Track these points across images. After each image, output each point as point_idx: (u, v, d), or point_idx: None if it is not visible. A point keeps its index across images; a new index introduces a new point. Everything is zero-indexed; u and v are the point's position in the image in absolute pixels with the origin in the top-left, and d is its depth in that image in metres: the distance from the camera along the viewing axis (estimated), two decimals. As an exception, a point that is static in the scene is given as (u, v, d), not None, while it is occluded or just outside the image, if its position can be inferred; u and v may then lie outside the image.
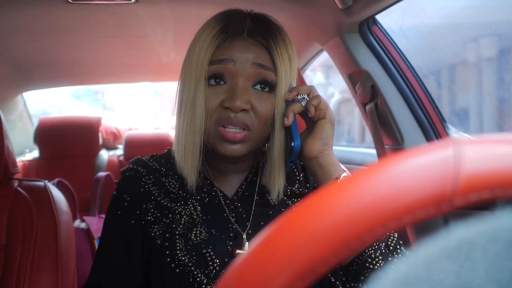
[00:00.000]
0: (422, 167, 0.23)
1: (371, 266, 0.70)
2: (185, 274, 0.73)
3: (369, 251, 0.70)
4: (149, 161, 0.82)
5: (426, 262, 0.19)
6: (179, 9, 1.39)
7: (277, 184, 0.75)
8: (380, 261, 0.70)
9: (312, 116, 0.70)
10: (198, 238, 0.74)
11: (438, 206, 0.22)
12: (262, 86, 0.73)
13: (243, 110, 0.71)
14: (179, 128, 0.75)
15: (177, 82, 0.78)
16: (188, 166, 0.73)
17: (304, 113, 0.73)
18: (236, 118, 0.70)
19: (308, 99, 0.72)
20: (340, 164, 0.74)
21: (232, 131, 0.70)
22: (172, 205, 0.77)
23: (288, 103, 0.72)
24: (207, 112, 0.72)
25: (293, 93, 0.72)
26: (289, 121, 0.70)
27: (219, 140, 0.72)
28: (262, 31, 0.75)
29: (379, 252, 0.70)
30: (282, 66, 0.73)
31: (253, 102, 0.72)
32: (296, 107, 0.71)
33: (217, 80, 0.73)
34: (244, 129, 0.71)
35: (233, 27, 0.74)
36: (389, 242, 0.73)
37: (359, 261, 0.70)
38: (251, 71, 0.72)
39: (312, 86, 0.74)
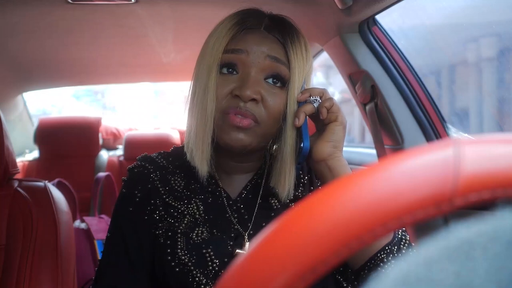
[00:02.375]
0: (422, 167, 0.23)
1: (384, 270, 0.67)
2: (184, 273, 0.73)
3: (381, 255, 0.67)
4: (157, 158, 0.82)
5: (426, 262, 0.19)
6: (179, 9, 1.39)
7: (287, 185, 0.73)
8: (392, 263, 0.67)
9: (324, 118, 0.69)
10: (199, 238, 0.74)
11: (438, 206, 0.22)
12: (274, 80, 0.73)
13: (253, 100, 0.70)
14: (191, 117, 0.75)
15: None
16: (199, 154, 0.72)
17: (315, 116, 0.72)
18: (245, 108, 0.69)
19: (320, 101, 0.71)
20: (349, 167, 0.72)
21: (240, 117, 0.70)
22: (176, 204, 0.77)
23: (300, 104, 0.72)
24: (217, 100, 0.71)
25: (306, 95, 0.71)
26: (300, 121, 0.69)
27: (225, 127, 0.71)
28: (279, 28, 0.75)
29: (391, 256, 0.67)
30: (296, 63, 0.72)
31: (264, 94, 0.71)
32: (308, 108, 0.70)
33: (230, 69, 0.72)
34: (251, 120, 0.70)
35: (250, 21, 0.74)
36: (402, 245, 0.70)
37: (371, 265, 0.68)
38: (265, 63, 0.72)
39: (324, 88, 0.73)
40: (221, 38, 0.72)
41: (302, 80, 0.73)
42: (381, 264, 0.67)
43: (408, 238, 0.72)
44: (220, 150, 0.75)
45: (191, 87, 0.76)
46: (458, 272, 0.18)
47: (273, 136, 0.75)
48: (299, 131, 0.71)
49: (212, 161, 0.76)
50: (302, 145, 0.69)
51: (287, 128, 0.72)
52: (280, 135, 0.74)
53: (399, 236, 0.71)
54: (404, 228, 0.73)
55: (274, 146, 0.77)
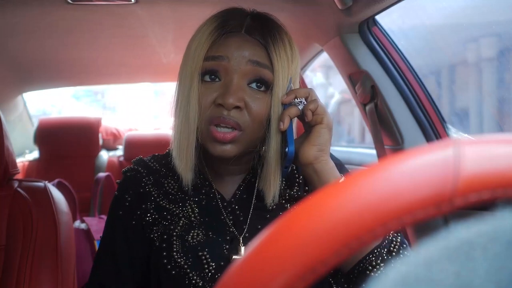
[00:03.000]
0: (422, 167, 0.23)
1: (372, 273, 0.67)
2: (180, 276, 0.72)
3: (370, 257, 0.67)
4: (150, 162, 0.82)
5: (426, 262, 0.19)
6: (179, 9, 1.39)
7: (272, 188, 0.72)
8: (382, 268, 0.67)
9: (309, 121, 0.68)
10: (195, 240, 0.74)
11: (438, 206, 0.22)
12: (258, 84, 0.71)
13: (237, 107, 0.69)
14: (175, 126, 0.74)
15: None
16: (183, 164, 0.72)
17: (301, 117, 0.71)
18: (229, 116, 0.68)
19: (305, 102, 0.69)
20: (337, 169, 0.71)
21: (223, 131, 0.69)
22: (171, 207, 0.77)
23: (285, 106, 0.70)
24: (200, 109, 0.70)
25: (291, 96, 0.70)
26: (284, 126, 0.68)
27: (209, 140, 0.70)
28: (260, 29, 0.73)
29: (380, 258, 0.67)
30: (280, 65, 0.71)
31: (247, 101, 0.70)
32: (293, 111, 0.69)
33: (212, 76, 0.71)
34: (235, 129, 0.69)
35: (231, 24, 0.73)
36: (392, 248, 0.69)
37: (360, 268, 0.67)
38: (247, 68, 0.70)
39: (311, 89, 0.71)
40: (202, 44, 0.71)
41: (286, 81, 0.71)
42: (370, 267, 0.67)
43: (399, 240, 0.71)
44: (209, 155, 0.74)
45: (175, 93, 0.75)
46: (458, 272, 0.18)
47: (260, 140, 0.74)
48: (284, 134, 0.70)
49: (204, 164, 0.76)
50: (287, 149, 0.68)
51: (272, 133, 0.71)
52: (266, 138, 0.73)
53: (390, 238, 0.70)
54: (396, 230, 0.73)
55: (264, 147, 0.75)
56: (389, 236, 0.70)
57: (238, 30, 0.73)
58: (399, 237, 0.72)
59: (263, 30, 0.73)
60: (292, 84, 0.73)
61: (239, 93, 0.69)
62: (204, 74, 0.71)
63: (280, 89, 0.71)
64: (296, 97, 0.70)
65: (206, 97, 0.70)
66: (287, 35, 0.74)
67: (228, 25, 0.72)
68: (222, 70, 0.71)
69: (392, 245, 0.70)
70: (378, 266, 0.67)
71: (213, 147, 0.70)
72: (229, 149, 0.70)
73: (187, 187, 0.75)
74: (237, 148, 0.71)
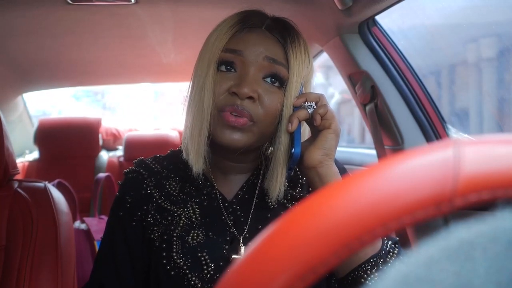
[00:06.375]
0: (422, 167, 0.23)
1: (367, 282, 0.66)
2: (179, 277, 0.73)
3: (365, 266, 0.67)
4: (151, 163, 0.82)
5: (426, 262, 0.19)
6: (179, 10, 1.39)
7: (278, 185, 0.73)
8: (376, 278, 0.66)
9: (317, 125, 0.69)
10: (195, 241, 0.74)
11: (438, 207, 0.22)
12: (273, 80, 0.73)
13: (250, 98, 0.70)
14: (188, 113, 0.75)
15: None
16: (195, 149, 0.72)
17: (310, 121, 0.72)
18: (242, 106, 0.69)
19: (315, 107, 0.71)
20: (340, 174, 0.72)
21: (235, 117, 0.70)
22: (172, 207, 0.77)
23: (295, 108, 0.71)
24: (214, 96, 0.71)
25: (301, 99, 0.71)
26: (292, 127, 0.69)
27: (220, 126, 0.71)
28: (280, 29, 0.75)
29: (375, 268, 0.67)
30: (295, 64, 0.73)
31: (261, 93, 0.71)
32: (302, 114, 0.70)
33: (228, 67, 0.73)
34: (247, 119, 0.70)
35: (252, 20, 0.75)
36: (388, 259, 0.69)
37: (354, 276, 0.67)
38: (263, 63, 0.72)
39: (321, 94, 0.72)
40: (222, 36, 0.73)
41: (300, 82, 0.73)
42: (365, 275, 0.66)
43: (396, 252, 0.70)
44: (216, 149, 0.75)
45: (190, 83, 0.77)
46: (458, 273, 0.18)
47: (268, 137, 0.75)
48: (291, 136, 0.71)
49: (208, 159, 0.76)
50: (293, 151, 0.69)
51: (282, 131, 0.72)
52: (275, 136, 0.74)
53: (387, 249, 0.70)
54: (395, 241, 0.73)
55: (270, 149, 0.76)
56: (387, 247, 0.70)
57: (259, 26, 0.75)
58: (397, 249, 0.71)
59: (282, 30, 0.75)
60: (303, 88, 0.74)
61: (253, 84, 0.70)
62: (220, 64, 0.73)
63: (293, 88, 0.72)
64: (306, 101, 0.71)
65: (220, 85, 0.71)
66: (304, 41, 0.76)
67: (250, 20, 0.75)
68: (238, 62, 0.72)
69: (389, 256, 0.69)
70: (372, 275, 0.67)
71: (223, 134, 0.71)
72: (238, 138, 0.70)
73: (198, 173, 0.74)
74: (246, 138, 0.71)
